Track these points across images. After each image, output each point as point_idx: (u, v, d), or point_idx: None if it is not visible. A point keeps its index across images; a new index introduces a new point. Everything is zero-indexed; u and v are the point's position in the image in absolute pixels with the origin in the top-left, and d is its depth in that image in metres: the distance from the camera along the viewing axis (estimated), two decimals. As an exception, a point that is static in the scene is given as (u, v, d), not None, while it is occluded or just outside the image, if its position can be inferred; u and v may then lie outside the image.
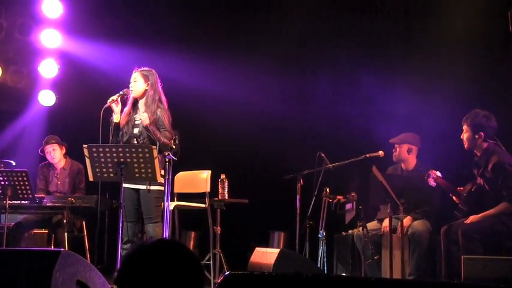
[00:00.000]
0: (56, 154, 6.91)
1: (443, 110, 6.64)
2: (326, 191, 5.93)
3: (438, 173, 5.53)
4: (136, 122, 5.52)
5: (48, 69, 8.04)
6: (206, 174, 6.40)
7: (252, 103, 7.63)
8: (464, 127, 5.62)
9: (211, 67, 7.74)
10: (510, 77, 6.38)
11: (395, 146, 6.27)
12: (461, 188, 5.69)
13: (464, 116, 5.65)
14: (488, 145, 5.56)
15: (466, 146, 5.65)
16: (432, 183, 5.51)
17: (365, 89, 7.36)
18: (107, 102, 5.42)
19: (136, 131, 5.48)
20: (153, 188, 5.38)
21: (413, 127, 6.49)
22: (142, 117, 5.38)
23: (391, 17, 7.43)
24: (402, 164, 6.33)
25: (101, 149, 5.02)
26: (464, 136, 5.62)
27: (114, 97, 5.44)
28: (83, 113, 7.68)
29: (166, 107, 5.57)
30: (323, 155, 6.11)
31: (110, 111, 5.48)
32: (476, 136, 5.55)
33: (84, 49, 8.00)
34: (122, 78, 5.85)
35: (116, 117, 5.47)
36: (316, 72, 7.65)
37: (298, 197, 6.05)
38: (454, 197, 5.73)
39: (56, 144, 6.91)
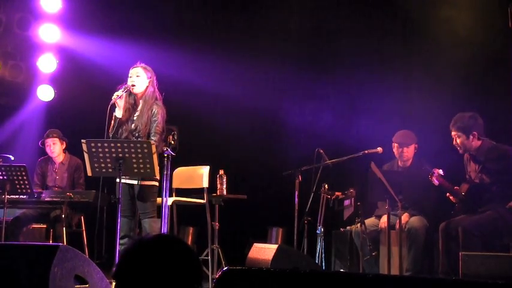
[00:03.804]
0: (55, 148, 6.94)
1: (442, 107, 6.64)
2: (324, 187, 5.93)
3: (441, 172, 5.53)
4: (134, 118, 5.49)
5: (47, 64, 8.03)
6: (205, 169, 6.40)
7: (251, 99, 7.62)
8: (454, 133, 5.63)
9: (210, 63, 7.73)
10: (510, 74, 6.37)
11: (403, 148, 6.16)
12: (457, 188, 5.70)
13: (451, 122, 5.64)
14: (482, 142, 5.61)
15: (461, 150, 5.69)
16: (435, 181, 5.52)
17: (364, 86, 7.37)
18: (111, 98, 5.33)
19: (133, 126, 5.45)
20: (146, 183, 5.34)
21: (409, 124, 6.48)
22: None
23: (389, 15, 7.42)
24: (399, 161, 6.31)
25: (99, 144, 5.01)
26: (458, 141, 5.63)
27: (119, 93, 5.35)
28: (81, 108, 7.68)
29: (162, 103, 5.53)
30: (321, 151, 6.09)
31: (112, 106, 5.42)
32: (471, 137, 5.58)
33: (83, 44, 7.99)
34: (120, 73, 5.82)
35: (119, 113, 5.40)
36: (315, 70, 7.65)
37: (296, 193, 6.05)
38: (451, 197, 5.76)
39: (57, 139, 6.94)
